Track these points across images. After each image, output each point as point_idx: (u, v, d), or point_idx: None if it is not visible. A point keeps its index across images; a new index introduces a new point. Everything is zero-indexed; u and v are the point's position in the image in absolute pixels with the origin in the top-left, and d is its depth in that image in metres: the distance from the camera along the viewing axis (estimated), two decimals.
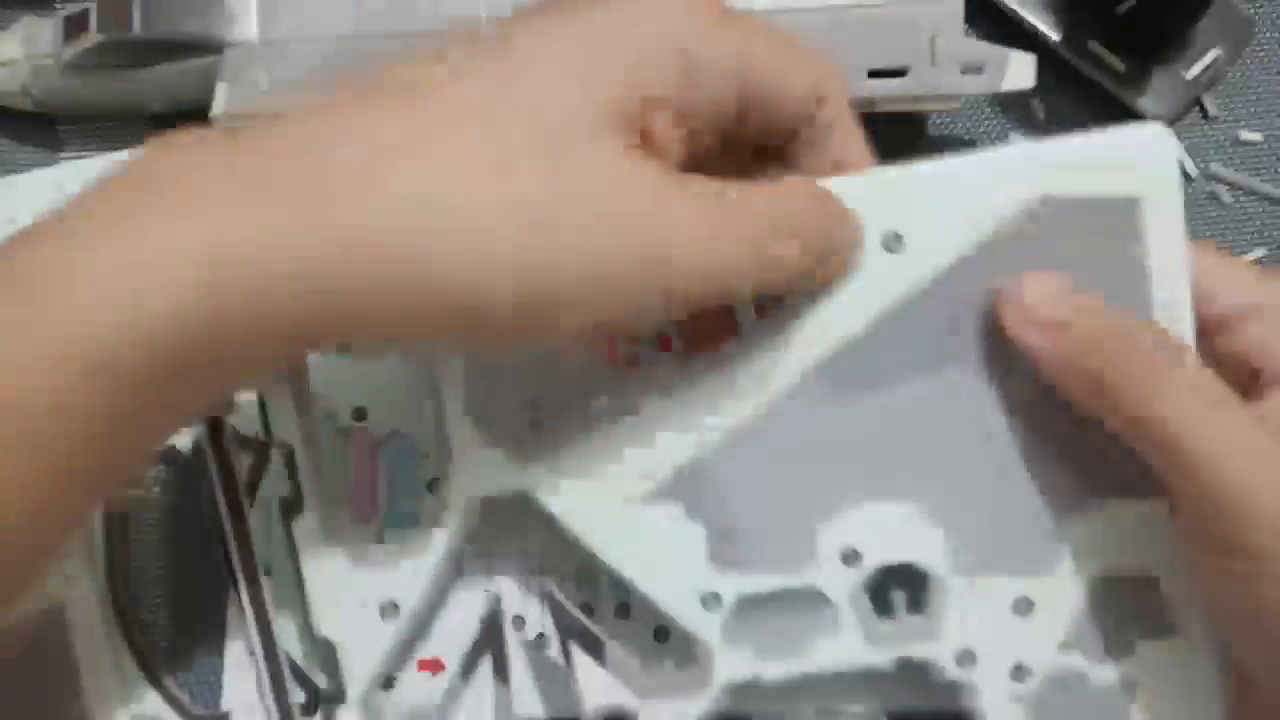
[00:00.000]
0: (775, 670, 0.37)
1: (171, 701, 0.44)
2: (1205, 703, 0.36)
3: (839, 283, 0.36)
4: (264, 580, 0.44)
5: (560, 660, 0.44)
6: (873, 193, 0.35)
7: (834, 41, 0.46)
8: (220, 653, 0.45)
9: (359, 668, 0.42)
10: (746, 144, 0.35)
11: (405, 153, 0.28)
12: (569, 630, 0.43)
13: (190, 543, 0.46)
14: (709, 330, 0.37)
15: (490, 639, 0.44)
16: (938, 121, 0.51)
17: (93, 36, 0.45)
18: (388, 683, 0.44)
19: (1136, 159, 0.36)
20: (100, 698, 0.43)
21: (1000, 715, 0.36)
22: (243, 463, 0.46)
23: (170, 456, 0.46)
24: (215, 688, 0.44)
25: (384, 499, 0.46)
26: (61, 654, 0.42)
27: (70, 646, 0.43)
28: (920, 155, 0.50)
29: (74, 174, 0.47)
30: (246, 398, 0.46)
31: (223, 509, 0.45)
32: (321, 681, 0.44)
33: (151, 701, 0.44)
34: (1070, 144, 0.37)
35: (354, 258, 0.27)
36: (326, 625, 0.41)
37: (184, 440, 0.46)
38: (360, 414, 0.47)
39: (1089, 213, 0.35)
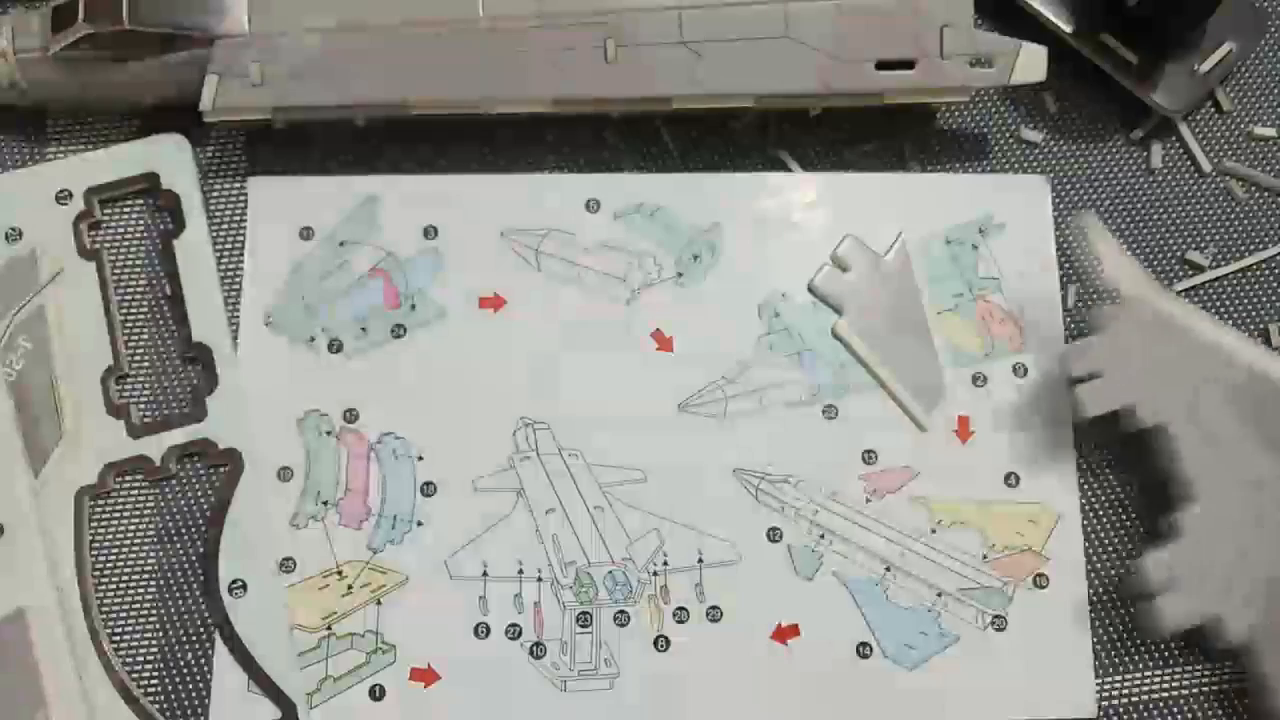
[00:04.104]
0: None
1: (132, 703, 0.43)
2: None
3: None
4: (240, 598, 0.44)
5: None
6: None
7: (841, 32, 0.45)
8: (208, 671, 0.44)
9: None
10: None
11: None
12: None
13: (174, 557, 0.45)
14: None
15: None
16: (947, 114, 0.50)
17: (81, 28, 0.44)
18: (378, 694, 0.44)
19: None
20: (65, 703, 0.42)
21: None
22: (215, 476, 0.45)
23: (149, 469, 0.45)
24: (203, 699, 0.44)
25: (377, 502, 0.45)
26: (24, 659, 0.42)
27: (31, 649, 0.42)
28: (928, 148, 0.50)
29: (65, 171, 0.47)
30: (227, 411, 0.45)
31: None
32: (296, 696, 0.43)
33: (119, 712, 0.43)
34: None
35: None
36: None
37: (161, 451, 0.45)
38: (352, 415, 0.46)
39: None
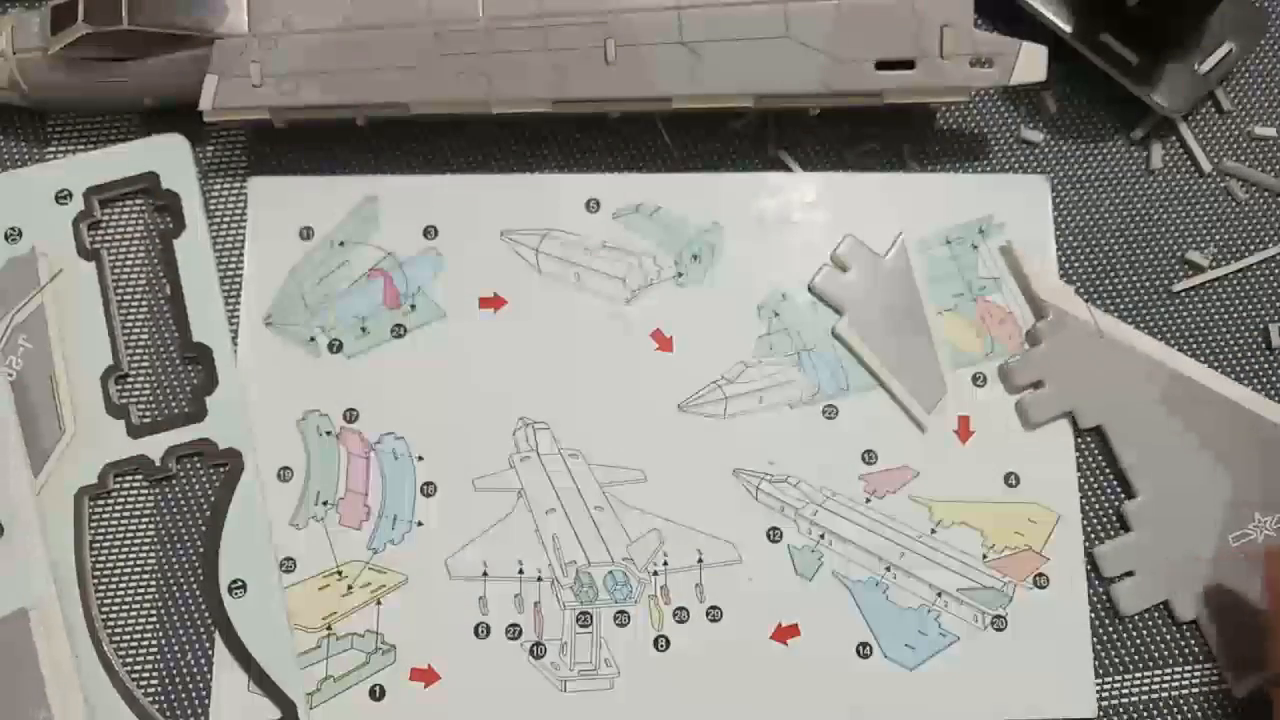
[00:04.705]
0: None
1: (132, 703, 0.43)
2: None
3: None
4: (239, 599, 0.44)
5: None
6: None
7: (841, 32, 0.45)
8: (208, 671, 0.44)
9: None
10: None
11: None
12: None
13: (174, 557, 0.45)
14: None
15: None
16: (947, 114, 0.50)
17: (81, 28, 0.44)
18: (378, 694, 0.44)
19: None
20: (66, 703, 0.42)
21: None
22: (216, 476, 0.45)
23: (149, 469, 0.45)
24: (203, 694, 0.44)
25: (377, 502, 0.45)
26: (26, 659, 0.42)
27: (33, 649, 0.42)
28: (928, 148, 0.50)
29: (65, 171, 0.47)
30: (227, 411, 0.45)
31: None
32: (296, 696, 0.43)
33: (119, 711, 0.43)
34: None
35: None
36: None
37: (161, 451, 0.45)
38: (352, 415, 0.46)
39: None
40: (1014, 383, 0.47)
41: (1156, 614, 0.46)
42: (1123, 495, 0.47)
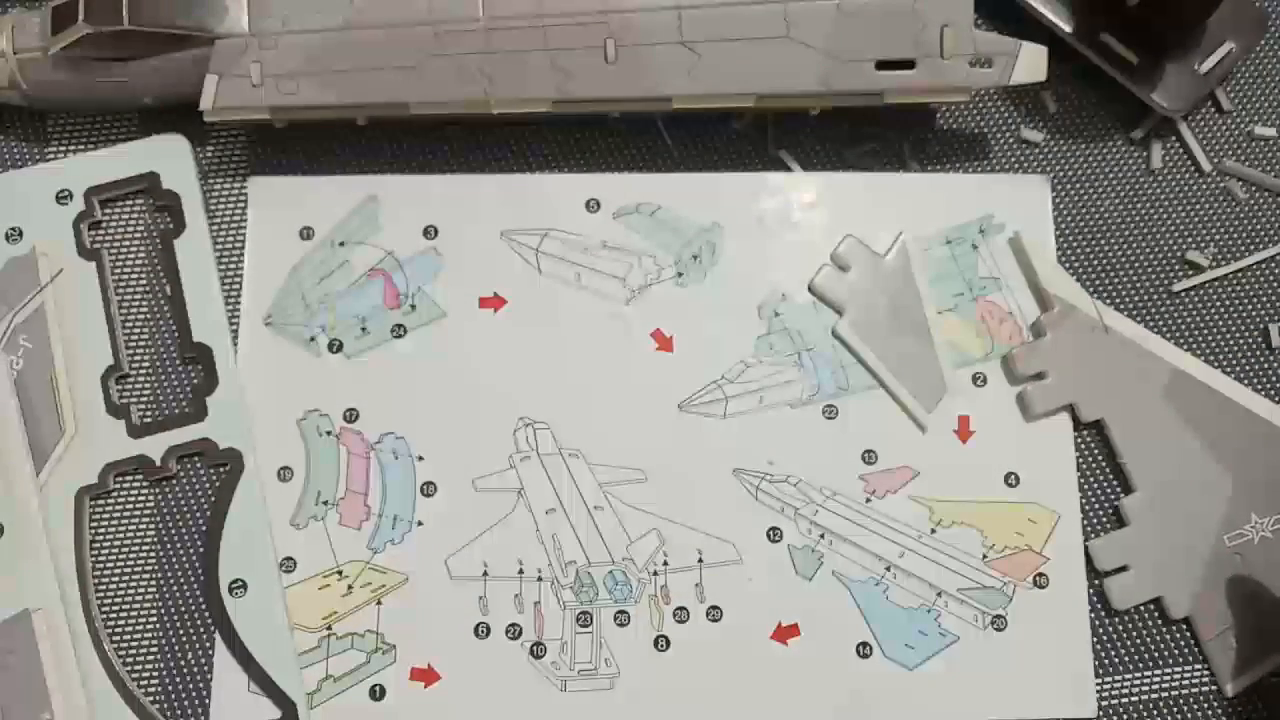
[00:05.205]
0: None
1: (133, 703, 0.43)
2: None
3: None
4: (239, 598, 0.44)
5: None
6: None
7: (841, 32, 0.45)
8: (208, 671, 0.44)
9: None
10: None
11: None
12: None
13: (174, 557, 0.45)
14: None
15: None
16: (947, 114, 0.50)
17: (81, 28, 0.44)
18: (378, 693, 0.44)
19: None
20: (68, 703, 0.42)
21: None
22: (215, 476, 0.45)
23: (149, 469, 0.45)
24: (203, 697, 0.44)
25: (377, 502, 0.45)
26: (29, 660, 0.42)
27: (36, 650, 0.42)
28: (928, 148, 0.50)
29: (65, 171, 0.47)
30: (228, 411, 0.45)
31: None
32: (296, 695, 0.43)
33: (119, 712, 0.43)
34: None
35: None
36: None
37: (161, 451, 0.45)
38: (352, 415, 0.46)
39: None
40: (1017, 373, 0.47)
41: (1158, 614, 0.46)
42: (1120, 492, 0.47)
